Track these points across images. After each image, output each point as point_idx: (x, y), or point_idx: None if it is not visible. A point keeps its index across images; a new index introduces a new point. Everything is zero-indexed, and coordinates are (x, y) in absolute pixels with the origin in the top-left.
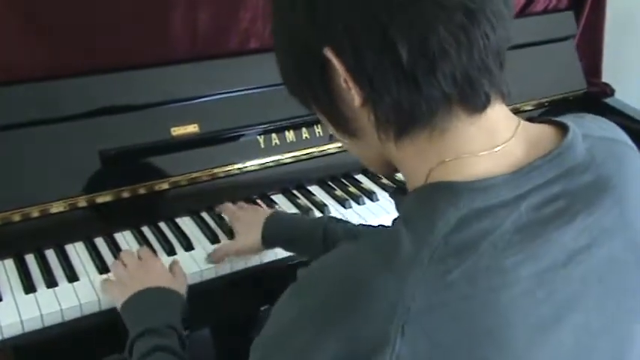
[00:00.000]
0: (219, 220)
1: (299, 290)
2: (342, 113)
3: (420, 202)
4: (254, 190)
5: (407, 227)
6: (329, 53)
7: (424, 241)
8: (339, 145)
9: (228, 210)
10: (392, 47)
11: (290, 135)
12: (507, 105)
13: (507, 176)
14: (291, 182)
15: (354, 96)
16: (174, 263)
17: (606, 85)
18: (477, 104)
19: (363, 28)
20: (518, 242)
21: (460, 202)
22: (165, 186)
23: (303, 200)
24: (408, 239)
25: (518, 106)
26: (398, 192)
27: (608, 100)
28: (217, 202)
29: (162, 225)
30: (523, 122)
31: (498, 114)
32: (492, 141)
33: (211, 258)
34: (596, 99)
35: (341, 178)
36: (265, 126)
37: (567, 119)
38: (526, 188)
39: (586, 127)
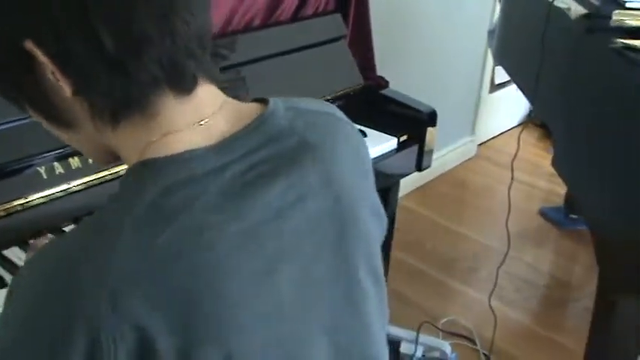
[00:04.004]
0: (2, 261)
1: (20, 279)
2: (56, 106)
3: (127, 178)
4: (43, 224)
5: (114, 202)
6: (31, 46)
7: (129, 212)
8: None
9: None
10: (95, 34)
11: (75, 161)
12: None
13: (210, 147)
14: (85, 210)
15: (63, 87)
16: None
17: (381, 77)
18: (184, 86)
19: (63, 17)
20: (222, 204)
21: (164, 175)
22: None
23: None
24: (113, 212)
25: None
26: None
27: (384, 91)
28: (1, 244)
29: None
30: (230, 100)
31: (205, 93)
32: (198, 118)
33: None
34: (373, 91)
35: None
36: (45, 155)
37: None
38: (230, 157)
39: (293, 102)
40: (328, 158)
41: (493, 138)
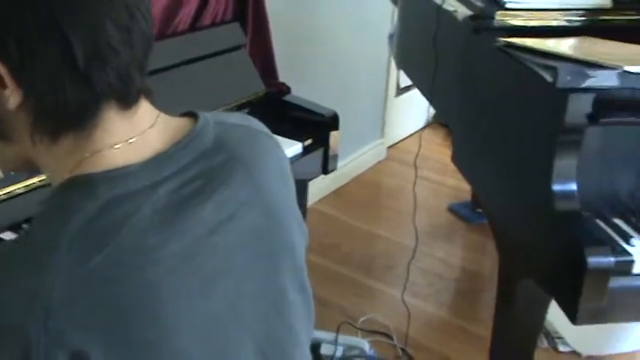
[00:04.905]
0: None
1: None
2: None
3: (57, 197)
4: None
5: (42, 224)
6: None
7: (59, 234)
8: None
9: None
10: (66, 41)
11: None
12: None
13: (144, 164)
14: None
15: (9, 97)
16: None
17: (282, 84)
18: (130, 100)
19: (33, 27)
20: (159, 223)
21: (97, 192)
22: None
23: None
24: (43, 235)
25: None
26: None
27: (287, 97)
28: None
29: None
30: (163, 115)
31: (142, 109)
32: (134, 133)
33: None
34: (276, 98)
35: None
36: None
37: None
38: (164, 174)
39: (221, 117)
40: (257, 172)
41: (402, 140)
